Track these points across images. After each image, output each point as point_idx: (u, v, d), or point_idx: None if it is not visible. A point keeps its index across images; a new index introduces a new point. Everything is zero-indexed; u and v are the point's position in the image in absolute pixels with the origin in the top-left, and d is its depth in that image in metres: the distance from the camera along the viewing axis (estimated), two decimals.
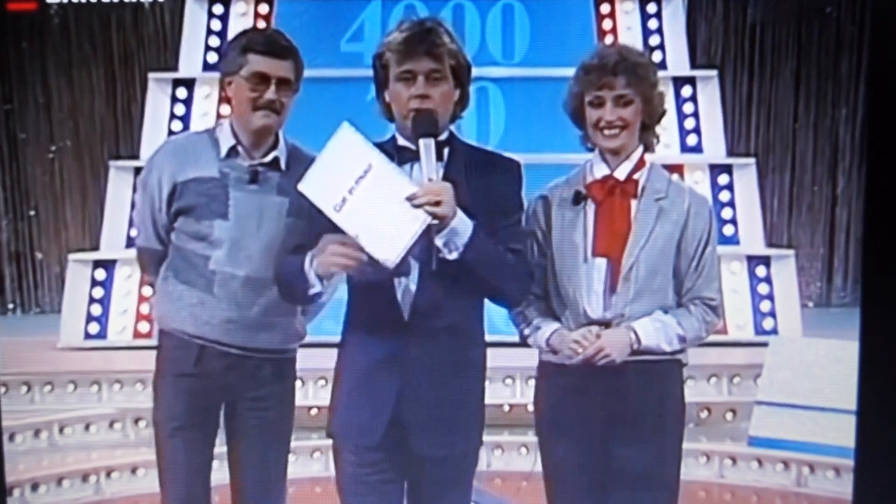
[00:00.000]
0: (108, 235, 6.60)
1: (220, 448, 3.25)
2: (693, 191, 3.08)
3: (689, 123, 6.88)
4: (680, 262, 2.95)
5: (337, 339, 2.94)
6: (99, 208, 7.15)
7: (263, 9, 6.99)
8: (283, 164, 3.15)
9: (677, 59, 7.03)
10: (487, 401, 5.58)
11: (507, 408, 5.54)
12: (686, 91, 6.87)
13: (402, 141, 2.82)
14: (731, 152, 7.17)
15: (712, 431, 5.49)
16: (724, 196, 6.69)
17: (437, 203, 2.62)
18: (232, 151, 3.14)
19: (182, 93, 6.80)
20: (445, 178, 2.74)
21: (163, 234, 3.21)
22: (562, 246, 2.94)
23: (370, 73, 2.89)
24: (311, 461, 4.76)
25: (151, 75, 6.96)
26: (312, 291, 2.76)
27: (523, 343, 3.05)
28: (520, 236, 2.87)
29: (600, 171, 2.96)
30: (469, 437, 2.94)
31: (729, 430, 5.57)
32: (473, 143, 2.96)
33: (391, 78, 2.79)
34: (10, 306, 8.15)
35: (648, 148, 3.00)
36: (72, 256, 6.61)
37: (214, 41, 6.95)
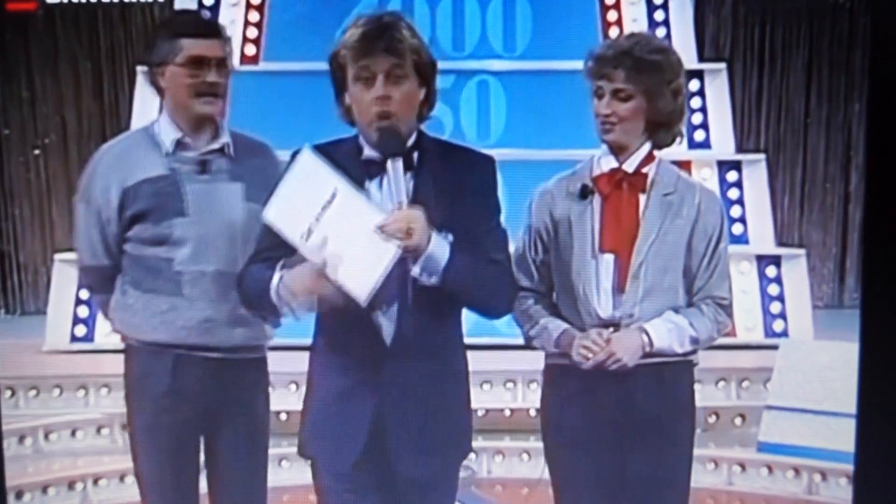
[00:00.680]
0: None
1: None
2: (703, 187, 3.08)
3: (697, 118, 6.89)
4: (691, 260, 2.94)
5: (308, 341, 2.89)
6: None
7: None
8: (231, 150, 3.12)
9: (684, 51, 6.95)
10: (488, 405, 5.64)
11: (508, 412, 5.54)
12: (694, 85, 6.88)
13: (367, 152, 2.71)
14: (740, 148, 7.19)
15: (721, 437, 5.50)
16: (733, 194, 6.70)
17: (409, 233, 2.53)
18: (177, 145, 3.10)
19: None
20: (416, 189, 2.66)
21: (113, 247, 3.15)
22: (569, 241, 2.92)
23: None
24: (279, 469, 4.67)
25: (140, 69, 6.96)
26: (280, 317, 2.72)
27: (527, 345, 3.03)
28: (501, 243, 2.78)
29: (608, 163, 2.94)
30: (457, 452, 2.88)
31: (738, 435, 5.57)
32: (444, 140, 2.85)
33: (349, 78, 2.68)
34: None
35: (659, 145, 2.98)
36: (58, 256, 6.60)
37: None
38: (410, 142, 2.72)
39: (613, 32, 6.91)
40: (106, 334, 6.32)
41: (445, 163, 2.75)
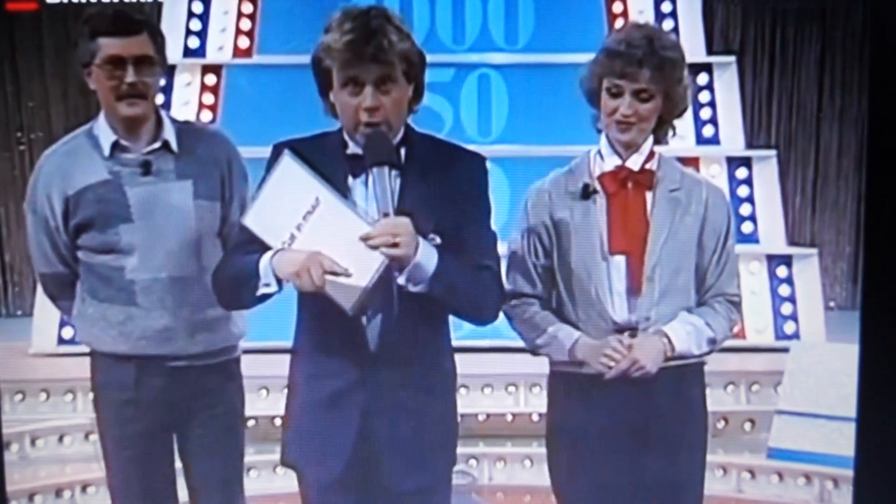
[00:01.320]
0: None
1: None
2: (709, 182, 3.09)
3: (706, 113, 6.89)
4: (701, 258, 2.95)
5: (279, 344, 2.91)
6: None
7: None
8: (174, 146, 3.08)
9: (693, 44, 7.03)
10: (489, 410, 5.64)
11: (509, 417, 5.55)
12: (702, 79, 6.88)
13: (352, 148, 2.68)
14: (750, 144, 7.18)
15: (730, 443, 5.50)
16: (743, 191, 6.70)
17: (395, 244, 2.50)
18: (115, 148, 3.06)
19: (160, 81, 6.79)
20: (403, 191, 2.64)
21: (66, 254, 3.14)
22: (573, 243, 2.91)
23: None
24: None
25: None
26: (264, 291, 2.61)
27: (533, 354, 3.03)
28: (490, 248, 2.76)
29: (611, 161, 2.93)
30: (445, 461, 2.87)
31: (747, 441, 5.58)
32: (432, 136, 2.82)
33: (335, 83, 2.63)
34: None
35: (659, 140, 2.98)
36: None
37: (196, 25, 6.94)
38: (397, 139, 2.69)
39: (619, 25, 6.90)
40: None
41: (434, 162, 2.73)
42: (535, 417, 5.41)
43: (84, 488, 5.05)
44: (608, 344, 2.83)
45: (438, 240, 2.62)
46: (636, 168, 2.92)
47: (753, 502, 5.22)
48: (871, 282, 2.58)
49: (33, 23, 8.03)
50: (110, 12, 3.03)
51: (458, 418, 2.87)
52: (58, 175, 3.09)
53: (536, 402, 5.46)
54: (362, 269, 2.54)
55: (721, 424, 5.63)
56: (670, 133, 3.00)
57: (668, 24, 6.97)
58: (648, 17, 6.96)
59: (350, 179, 2.67)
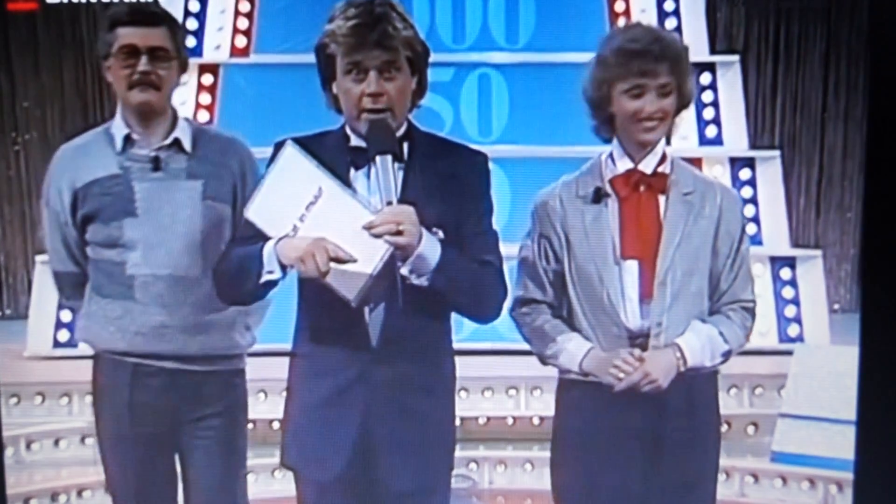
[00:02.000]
0: None
1: None
2: (722, 184, 3.07)
3: (709, 113, 6.90)
4: (715, 262, 2.93)
5: (279, 347, 2.92)
6: None
7: None
8: (187, 146, 3.12)
9: (696, 43, 7.03)
10: (490, 413, 5.65)
11: (510, 421, 5.55)
12: (705, 78, 6.89)
13: (355, 140, 2.71)
14: (753, 145, 7.19)
15: (733, 446, 5.48)
16: (746, 192, 6.71)
17: (399, 232, 2.53)
18: (127, 142, 3.11)
19: None
20: (406, 183, 2.66)
21: (76, 251, 3.18)
22: (588, 249, 2.90)
23: None
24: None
25: None
26: (268, 278, 2.62)
27: (542, 363, 3.02)
28: (491, 245, 2.78)
29: (623, 164, 2.92)
30: (444, 463, 2.89)
31: (751, 445, 5.58)
32: (434, 134, 2.84)
33: (338, 70, 2.67)
34: None
35: (668, 140, 2.98)
36: (39, 258, 6.61)
37: (193, 24, 6.95)
38: (400, 133, 2.72)
39: (608, 30, 6.91)
40: None
41: (436, 158, 2.76)
42: (536, 421, 5.42)
43: (80, 492, 5.06)
44: (619, 356, 2.83)
45: (441, 234, 2.64)
46: (649, 171, 2.91)
47: None
48: (871, 284, 2.59)
49: (28, 23, 8.03)
50: (131, 3, 3.16)
51: (458, 421, 2.89)
52: (70, 169, 3.14)
53: (537, 406, 5.48)
54: (366, 259, 2.56)
55: (724, 428, 5.57)
56: (675, 132, 3.00)
57: (670, 23, 6.99)
58: (651, 16, 6.98)
59: (352, 172, 2.70)
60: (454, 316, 2.85)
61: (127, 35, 3.04)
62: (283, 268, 2.60)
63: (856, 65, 8.31)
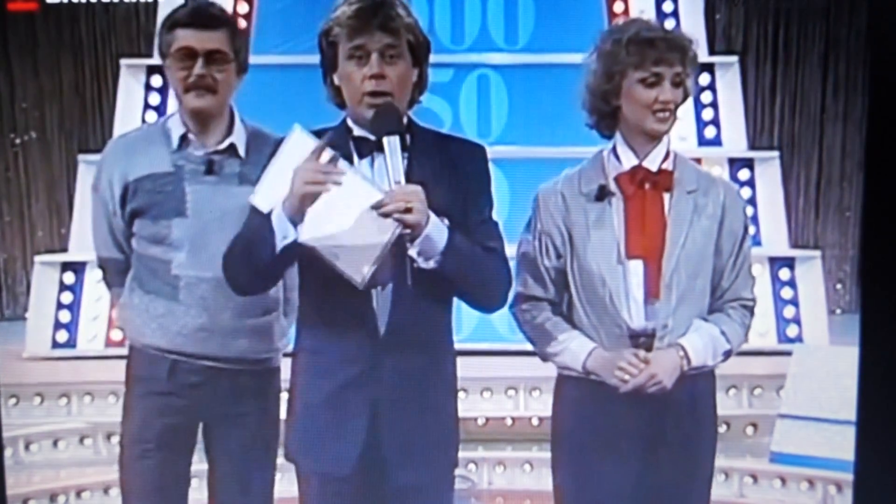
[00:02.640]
0: (77, 236, 6.60)
1: (202, 465, 3.30)
2: (726, 182, 3.08)
3: (708, 114, 6.90)
4: (718, 260, 2.93)
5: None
6: (67, 206, 7.18)
7: None
8: (241, 151, 3.14)
9: (694, 43, 7.03)
10: (489, 414, 5.65)
11: (509, 421, 5.56)
12: (704, 79, 6.89)
13: (357, 130, 2.73)
14: (752, 145, 7.20)
15: (732, 447, 5.49)
16: (745, 193, 6.70)
17: (408, 210, 2.54)
18: (183, 141, 3.13)
19: (157, 80, 6.81)
20: (409, 172, 2.66)
21: (122, 240, 3.20)
22: (591, 247, 2.89)
23: None
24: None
25: (124, 62, 6.99)
26: (284, 243, 2.60)
27: (543, 360, 3.02)
28: (494, 233, 2.80)
29: (628, 160, 2.91)
30: (447, 459, 2.90)
31: (750, 445, 5.58)
32: (432, 128, 2.87)
33: (341, 56, 2.70)
34: None
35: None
36: (38, 258, 6.63)
37: None
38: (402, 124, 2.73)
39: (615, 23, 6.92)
40: (89, 340, 6.35)
41: (437, 151, 2.78)
42: (535, 421, 5.43)
43: (79, 493, 5.07)
44: (623, 357, 2.83)
45: (447, 221, 2.65)
46: (654, 168, 2.90)
47: None
48: (871, 285, 2.60)
49: (27, 24, 8.04)
50: (192, 6, 3.16)
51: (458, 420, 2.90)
52: (123, 159, 3.16)
53: (536, 406, 5.48)
54: (374, 239, 2.56)
55: (723, 428, 5.62)
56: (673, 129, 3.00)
57: (669, 24, 6.98)
58: (649, 17, 6.95)
59: (356, 161, 2.71)
60: (454, 316, 2.86)
61: (185, 37, 3.06)
62: (294, 224, 2.59)
63: (855, 65, 8.31)
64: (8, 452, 5.34)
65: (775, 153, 7.01)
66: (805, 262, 6.60)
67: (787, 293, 6.48)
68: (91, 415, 5.62)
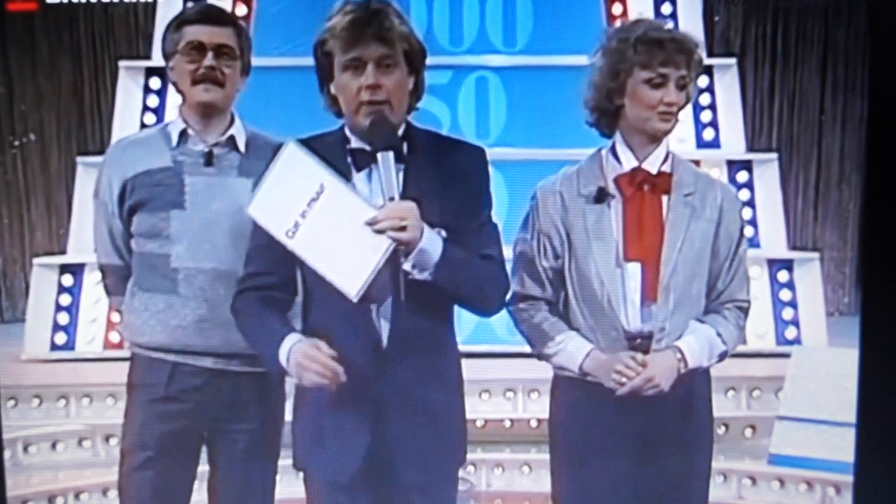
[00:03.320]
0: (76, 238, 6.59)
1: (202, 468, 3.29)
2: (723, 184, 3.07)
3: (706, 116, 6.90)
4: (714, 263, 2.94)
5: None
6: (66, 208, 7.18)
7: None
8: (241, 146, 3.17)
9: (700, 47, 7.02)
10: (487, 416, 5.65)
11: (508, 423, 5.56)
12: (702, 81, 6.88)
13: (355, 142, 2.75)
14: (751, 147, 7.20)
15: (730, 449, 5.51)
16: (744, 195, 6.69)
17: (402, 227, 2.57)
18: (182, 137, 3.16)
19: (155, 83, 6.80)
20: (406, 181, 2.69)
21: (121, 245, 3.22)
22: (589, 249, 2.89)
23: None
24: (297, 481, 4.69)
25: (122, 64, 6.98)
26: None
27: (539, 359, 3.03)
28: (493, 238, 2.81)
29: (628, 161, 2.91)
30: (454, 457, 2.93)
31: (748, 447, 5.59)
32: (433, 131, 2.88)
33: (336, 67, 2.72)
34: None
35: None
36: (37, 261, 6.62)
37: None
38: (399, 132, 2.75)
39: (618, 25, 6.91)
40: (88, 342, 6.35)
41: (436, 155, 2.79)
42: (534, 423, 5.43)
43: (77, 495, 5.07)
44: (620, 360, 2.83)
45: (444, 233, 2.67)
46: (653, 170, 2.91)
47: None
48: (871, 286, 2.60)
49: (26, 26, 8.04)
50: (200, 5, 3.27)
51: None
52: (122, 161, 3.20)
53: (535, 408, 5.49)
54: (368, 255, 2.59)
55: (722, 430, 5.64)
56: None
57: (667, 27, 6.97)
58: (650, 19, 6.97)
59: (353, 174, 2.73)
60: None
61: (194, 32, 3.11)
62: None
63: (853, 67, 8.32)
64: (7, 454, 5.33)
65: (774, 155, 7.00)
66: (804, 264, 6.59)
67: (785, 295, 6.48)
68: (89, 417, 5.63)
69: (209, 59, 3.10)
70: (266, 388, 3.21)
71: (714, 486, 5.11)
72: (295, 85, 5.64)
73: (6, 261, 8.15)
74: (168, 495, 3.20)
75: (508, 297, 2.96)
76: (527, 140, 6.55)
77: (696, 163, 6.55)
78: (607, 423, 2.89)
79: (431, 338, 2.77)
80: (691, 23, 7.08)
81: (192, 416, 3.16)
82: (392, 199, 2.61)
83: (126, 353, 3.32)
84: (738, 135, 6.95)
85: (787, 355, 5.63)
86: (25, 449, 5.44)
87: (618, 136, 2.94)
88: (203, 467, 3.27)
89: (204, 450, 3.26)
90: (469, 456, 2.88)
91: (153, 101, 6.83)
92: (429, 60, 2.83)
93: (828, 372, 5.31)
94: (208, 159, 3.15)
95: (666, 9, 7.09)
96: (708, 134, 6.87)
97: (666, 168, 2.92)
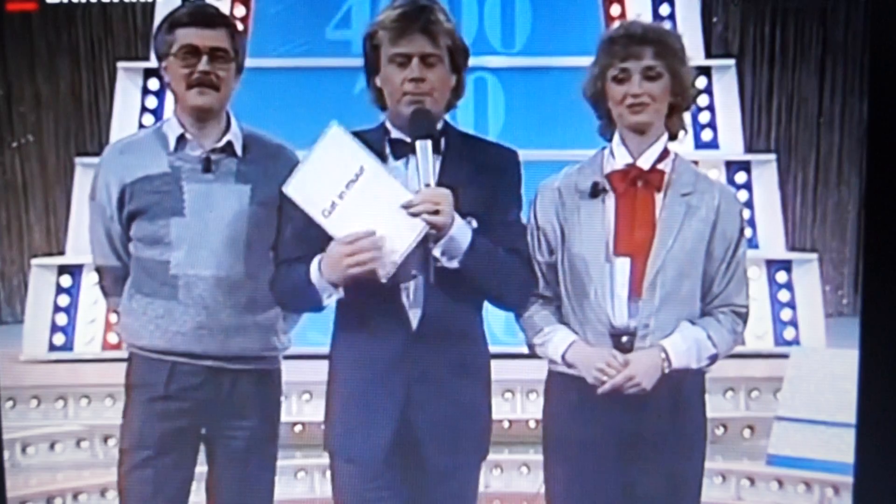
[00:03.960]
0: (75, 238, 6.59)
1: (200, 468, 3.29)
2: (723, 186, 3.09)
3: (704, 117, 6.90)
4: (709, 265, 2.94)
5: (321, 349, 2.98)
6: (64, 209, 7.17)
7: None
8: (238, 150, 3.16)
9: (692, 47, 6.99)
10: None
11: (506, 424, 5.56)
12: (701, 82, 6.88)
13: (395, 133, 2.87)
14: (749, 148, 7.19)
15: (729, 449, 5.52)
16: (742, 196, 6.69)
17: (436, 212, 2.67)
18: (180, 142, 3.15)
19: (154, 84, 6.80)
20: (442, 172, 2.79)
21: (119, 247, 3.22)
22: (580, 243, 2.92)
23: (358, 62, 2.96)
24: (294, 481, 4.75)
25: (120, 65, 6.99)
26: (329, 300, 2.81)
27: (530, 353, 3.05)
28: (520, 234, 2.92)
29: (622, 158, 2.94)
30: (478, 447, 2.98)
31: (747, 447, 5.61)
32: (470, 133, 3.00)
33: (383, 59, 2.84)
34: None
35: (674, 135, 3.00)
36: (35, 261, 6.62)
37: None
38: (438, 128, 2.86)
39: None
40: (86, 343, 6.35)
41: (470, 152, 2.91)
42: (532, 424, 5.43)
43: (76, 496, 5.09)
44: (602, 357, 2.85)
45: (475, 223, 2.78)
46: (646, 167, 2.93)
47: None
48: (870, 287, 2.61)
49: (24, 27, 8.04)
50: (192, 6, 3.23)
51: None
52: (120, 162, 3.19)
53: (533, 409, 5.49)
54: (401, 237, 2.67)
55: (720, 431, 5.66)
56: (681, 129, 3.01)
57: (665, 27, 6.97)
58: (646, 20, 6.96)
59: (391, 162, 2.84)
60: None
61: (187, 35, 3.10)
62: (336, 287, 2.77)
63: (852, 68, 8.31)
64: (5, 455, 5.27)
65: (772, 156, 7.01)
66: (802, 264, 6.60)
67: (784, 296, 6.48)
68: (88, 417, 5.64)
69: (203, 64, 3.09)
70: (265, 387, 3.23)
71: (712, 487, 5.17)
72: (294, 86, 5.65)
73: (4, 261, 8.14)
74: (167, 494, 3.20)
75: None
76: (525, 141, 6.45)
77: (695, 163, 6.56)
78: (596, 419, 2.91)
79: (460, 328, 2.86)
80: (689, 24, 7.09)
81: (192, 415, 3.17)
82: (427, 185, 2.71)
83: (124, 353, 3.32)
84: (737, 136, 6.95)
85: (785, 356, 5.65)
86: (24, 450, 5.46)
87: (616, 135, 2.98)
88: (202, 467, 3.28)
89: (202, 449, 3.26)
90: None
91: (152, 102, 6.82)
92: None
93: (826, 373, 5.33)
94: (206, 165, 3.14)
95: (664, 10, 7.09)
96: (706, 135, 6.87)
97: (662, 166, 2.94)
